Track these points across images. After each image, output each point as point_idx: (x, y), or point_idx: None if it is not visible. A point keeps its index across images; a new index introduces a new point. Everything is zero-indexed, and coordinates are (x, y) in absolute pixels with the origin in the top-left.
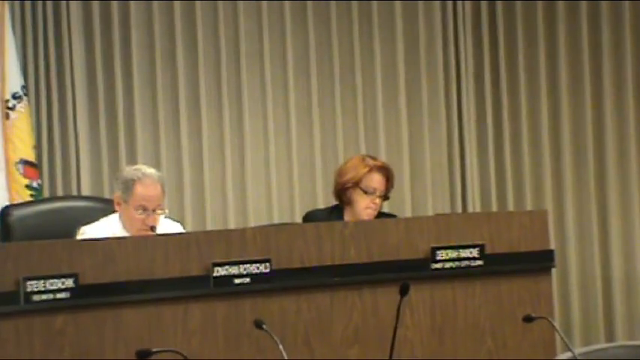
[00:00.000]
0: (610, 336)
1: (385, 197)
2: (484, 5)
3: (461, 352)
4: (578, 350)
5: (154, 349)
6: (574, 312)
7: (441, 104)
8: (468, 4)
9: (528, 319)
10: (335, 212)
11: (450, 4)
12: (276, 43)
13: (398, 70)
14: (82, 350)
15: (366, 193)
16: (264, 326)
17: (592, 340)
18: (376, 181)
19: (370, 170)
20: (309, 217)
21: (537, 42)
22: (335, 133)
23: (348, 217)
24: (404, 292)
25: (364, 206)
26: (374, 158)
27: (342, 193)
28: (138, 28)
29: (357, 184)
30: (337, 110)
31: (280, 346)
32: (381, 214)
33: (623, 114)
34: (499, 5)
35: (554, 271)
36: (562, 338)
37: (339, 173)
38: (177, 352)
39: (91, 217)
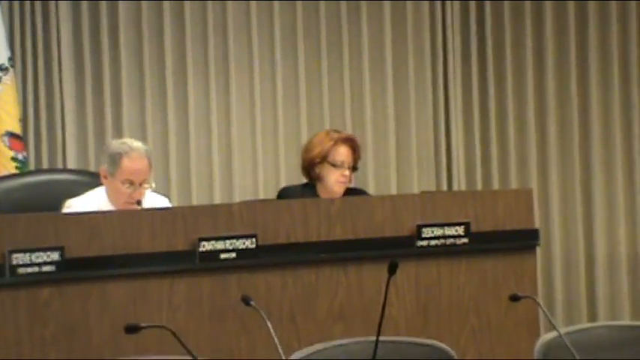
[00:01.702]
0: (592, 315)
1: (354, 168)
2: None
3: (445, 329)
4: (563, 330)
5: (143, 324)
6: (557, 291)
7: (427, 82)
8: None
9: (515, 297)
10: (308, 187)
11: None
12: (264, 16)
13: (385, 47)
14: (67, 323)
15: (334, 166)
16: (251, 302)
17: (574, 319)
18: (343, 153)
19: (336, 143)
20: (283, 193)
21: (524, 17)
22: (322, 109)
23: (320, 192)
24: (392, 270)
25: (334, 180)
26: (338, 131)
27: (311, 169)
28: (126, 2)
29: (324, 158)
30: (324, 86)
31: (268, 323)
32: (349, 190)
33: (608, 93)
34: None
35: (538, 249)
36: (548, 318)
37: (306, 150)
38: (165, 328)
39: (77, 190)
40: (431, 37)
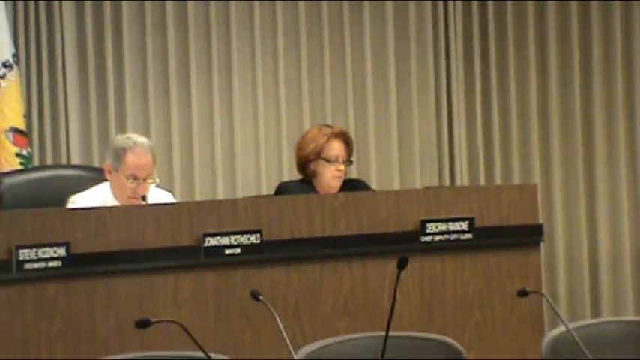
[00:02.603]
0: (596, 311)
1: (349, 162)
2: None
3: (449, 325)
4: (571, 325)
5: (153, 319)
6: (560, 286)
7: (430, 78)
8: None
9: (522, 292)
10: (306, 183)
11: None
12: (267, 15)
13: (387, 43)
14: (74, 318)
15: (329, 162)
16: (260, 297)
17: (578, 315)
18: (337, 148)
19: (329, 139)
20: (281, 189)
21: (527, 16)
22: (324, 105)
23: (317, 187)
24: (402, 265)
25: (330, 175)
26: (330, 126)
27: (306, 166)
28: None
29: (318, 155)
30: (326, 83)
31: (277, 317)
32: (347, 181)
33: (611, 88)
34: None
35: (541, 245)
36: (556, 313)
37: (299, 147)
38: (176, 322)
39: (81, 185)
40: (433, 35)
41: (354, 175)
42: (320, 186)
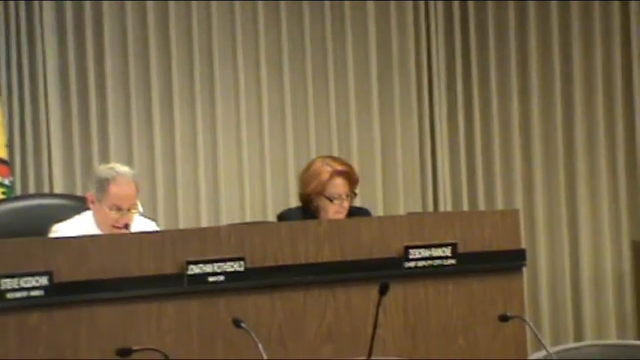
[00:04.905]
0: (579, 335)
1: (353, 194)
2: (456, 5)
3: (433, 350)
4: (551, 349)
5: (135, 347)
6: (543, 311)
7: (413, 104)
8: (440, 4)
9: (504, 318)
10: (309, 211)
11: (422, 4)
12: (249, 42)
13: (370, 70)
14: (57, 348)
15: (331, 200)
16: (242, 324)
17: (561, 339)
18: (339, 186)
19: (331, 177)
20: (283, 216)
21: (508, 43)
22: (307, 132)
23: (321, 218)
24: (383, 291)
25: (333, 212)
26: (334, 159)
27: (309, 202)
28: (110, 26)
29: (321, 192)
30: (310, 109)
31: (259, 345)
32: (351, 209)
33: (593, 114)
34: (471, 5)
35: (524, 269)
36: (537, 337)
37: (302, 182)
38: (158, 351)
39: (64, 214)
40: (416, 63)
41: None
42: (323, 217)
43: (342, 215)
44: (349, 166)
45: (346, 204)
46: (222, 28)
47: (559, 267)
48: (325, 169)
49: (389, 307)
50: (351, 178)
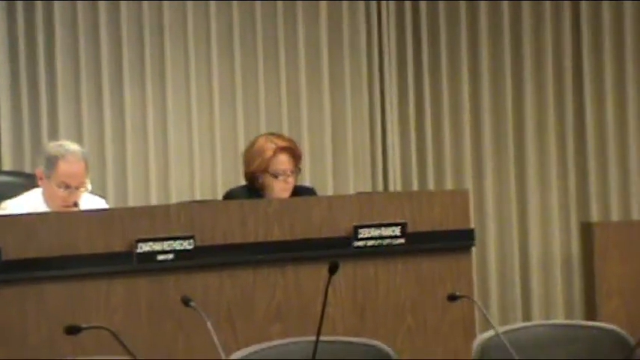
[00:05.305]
0: (527, 315)
1: (297, 170)
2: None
3: (382, 329)
4: (500, 329)
5: (83, 325)
6: (492, 291)
7: (363, 83)
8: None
9: (452, 297)
10: (253, 189)
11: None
12: (200, 21)
13: (321, 50)
14: (5, 325)
15: (276, 177)
16: (191, 303)
17: (509, 319)
18: (283, 162)
19: (275, 153)
20: (229, 195)
21: (459, 24)
22: (258, 112)
23: (267, 196)
24: (332, 270)
25: (278, 189)
26: (277, 136)
27: (254, 179)
28: (61, 4)
29: (265, 169)
30: (260, 88)
31: (208, 323)
32: (296, 188)
33: (542, 96)
34: None
35: (473, 250)
36: (485, 317)
37: (246, 160)
38: (106, 329)
39: (13, 192)
40: (367, 41)
41: None
42: (269, 197)
43: (287, 192)
44: (292, 142)
45: (291, 180)
46: (174, 7)
47: (508, 247)
48: (269, 146)
49: (338, 287)
50: (294, 154)
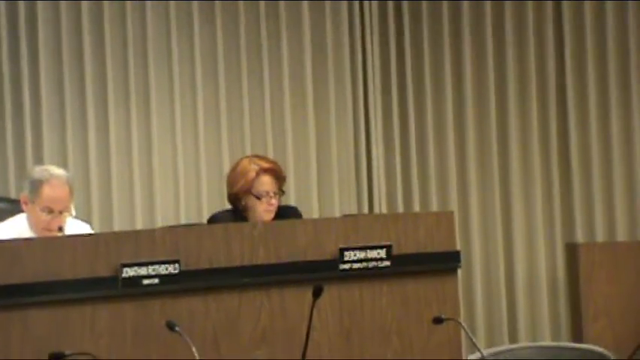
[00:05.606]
0: (513, 336)
1: (281, 192)
2: (390, 5)
3: (368, 352)
4: (486, 351)
5: (66, 352)
6: (478, 312)
7: (348, 105)
8: (374, 4)
9: (437, 320)
10: (238, 213)
11: (356, 4)
12: (184, 43)
13: (305, 71)
14: None
15: (259, 198)
16: (176, 328)
17: (496, 340)
18: (266, 183)
19: (258, 174)
20: (213, 220)
21: (443, 42)
22: (242, 133)
23: (250, 220)
24: (317, 293)
25: (262, 210)
26: (260, 158)
27: (237, 201)
28: (45, 28)
29: (248, 190)
30: (245, 110)
31: (193, 348)
32: (280, 208)
33: (527, 116)
34: (405, 5)
35: (459, 271)
36: (471, 339)
37: (229, 182)
38: (89, 354)
39: None
40: (351, 62)
41: None
42: (252, 219)
43: (271, 214)
44: (275, 163)
45: (274, 201)
46: (157, 29)
47: (494, 269)
48: (252, 168)
49: (324, 310)
50: (278, 176)
